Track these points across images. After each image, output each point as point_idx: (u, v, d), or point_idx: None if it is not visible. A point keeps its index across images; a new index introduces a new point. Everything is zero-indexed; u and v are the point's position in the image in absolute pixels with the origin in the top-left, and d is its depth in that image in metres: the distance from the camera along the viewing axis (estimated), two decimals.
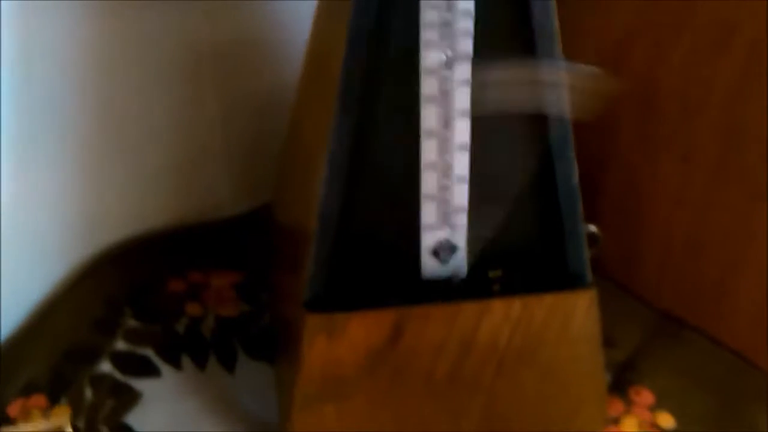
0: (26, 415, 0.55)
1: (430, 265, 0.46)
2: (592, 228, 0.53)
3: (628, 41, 0.60)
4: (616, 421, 0.56)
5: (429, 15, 0.41)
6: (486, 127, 0.43)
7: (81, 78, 0.58)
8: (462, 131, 0.43)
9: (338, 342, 0.45)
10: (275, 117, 0.61)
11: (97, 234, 0.65)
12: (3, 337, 0.59)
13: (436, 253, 0.46)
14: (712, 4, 0.54)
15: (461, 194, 0.44)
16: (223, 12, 0.61)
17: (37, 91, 0.56)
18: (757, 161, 0.55)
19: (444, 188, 0.44)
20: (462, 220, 0.45)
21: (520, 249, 0.47)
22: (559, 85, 0.42)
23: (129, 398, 0.56)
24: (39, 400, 0.56)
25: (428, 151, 0.44)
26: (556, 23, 0.42)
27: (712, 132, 0.57)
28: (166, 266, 0.66)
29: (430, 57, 0.42)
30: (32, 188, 0.59)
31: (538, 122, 0.43)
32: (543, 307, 0.46)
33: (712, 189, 0.58)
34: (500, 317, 0.45)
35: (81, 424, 0.54)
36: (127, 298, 0.63)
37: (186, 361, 0.59)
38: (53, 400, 0.56)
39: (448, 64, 0.42)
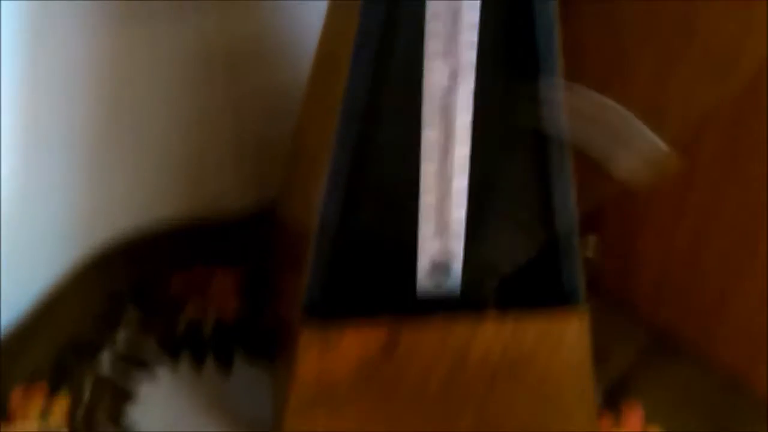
0: (27, 406, 0.56)
1: (425, 281, 0.46)
2: (591, 240, 0.53)
3: (633, 56, 0.60)
4: None
5: (434, 26, 0.41)
6: (486, 146, 0.44)
7: (92, 72, 0.59)
8: (462, 148, 0.44)
9: (332, 351, 0.45)
10: (285, 116, 0.62)
11: (103, 227, 0.65)
12: (7, 328, 0.60)
13: (432, 268, 0.46)
14: (718, 16, 0.54)
15: (460, 211, 0.45)
16: (236, 13, 0.62)
17: (46, 83, 0.57)
18: (756, 181, 0.55)
19: (442, 204, 0.45)
20: (459, 236, 0.45)
21: (515, 265, 0.47)
22: (558, 105, 0.42)
23: (127, 394, 0.57)
24: (41, 387, 0.57)
25: (428, 170, 0.44)
26: (559, 39, 0.42)
27: (712, 149, 0.57)
28: (170, 261, 0.66)
29: (433, 73, 0.42)
30: (38, 180, 0.59)
31: (536, 142, 0.44)
32: (536, 324, 0.46)
33: (710, 207, 0.58)
34: (493, 333, 0.46)
35: (79, 418, 0.55)
36: (131, 293, 0.64)
37: (184, 358, 0.60)
38: (54, 390, 0.57)
39: (451, 80, 0.42)
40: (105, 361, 0.59)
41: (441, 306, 0.46)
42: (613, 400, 0.59)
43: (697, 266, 0.60)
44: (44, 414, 0.56)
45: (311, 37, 0.53)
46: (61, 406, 0.56)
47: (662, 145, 0.42)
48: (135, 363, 0.59)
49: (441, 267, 0.46)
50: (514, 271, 0.47)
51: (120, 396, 0.57)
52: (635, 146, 0.42)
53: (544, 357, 0.47)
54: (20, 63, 0.54)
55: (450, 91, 0.42)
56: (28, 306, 0.62)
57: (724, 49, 0.54)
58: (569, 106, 0.42)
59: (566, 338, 0.47)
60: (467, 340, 0.46)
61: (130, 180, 0.65)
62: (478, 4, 0.40)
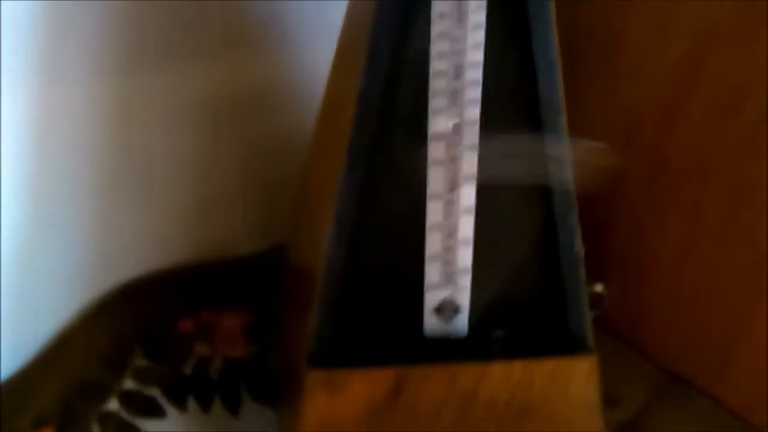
0: None
1: (432, 324, 0.46)
2: (598, 288, 0.53)
3: (638, 104, 0.60)
4: None
5: (438, 83, 0.42)
6: (491, 193, 0.44)
7: (99, 118, 0.60)
8: (468, 195, 0.44)
9: (338, 397, 0.45)
10: (292, 160, 0.62)
11: (111, 271, 0.66)
12: (15, 370, 0.60)
13: (438, 312, 0.46)
14: (721, 68, 0.55)
15: (466, 256, 0.45)
16: (244, 61, 0.63)
17: (54, 127, 0.57)
18: (761, 223, 0.55)
19: (448, 249, 0.45)
20: (466, 280, 0.45)
21: (523, 310, 0.47)
22: (563, 157, 0.43)
23: None
24: (49, 431, 0.57)
25: (434, 212, 0.44)
26: (562, 94, 0.42)
27: (720, 192, 0.57)
28: (177, 304, 0.67)
29: (438, 123, 0.43)
30: (45, 223, 0.60)
31: (541, 190, 0.44)
32: (543, 371, 0.46)
33: (717, 249, 0.58)
34: (500, 379, 0.46)
35: None
36: (138, 336, 0.64)
37: (192, 402, 0.60)
38: None
39: (456, 130, 0.43)
40: (112, 403, 0.59)
41: (448, 349, 0.46)
42: None
43: (705, 308, 0.60)
44: None
45: (318, 84, 0.54)
46: None
47: (598, 145, 0.43)
48: (142, 405, 0.59)
49: (448, 310, 0.46)
50: (521, 315, 0.47)
51: None
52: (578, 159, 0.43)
53: (553, 402, 0.47)
54: (28, 106, 0.55)
55: (455, 137, 0.43)
56: (35, 349, 0.62)
57: (728, 95, 0.55)
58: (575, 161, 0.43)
59: (575, 383, 0.46)
60: (474, 385, 0.46)
61: (138, 224, 0.65)
62: (481, 60, 0.41)
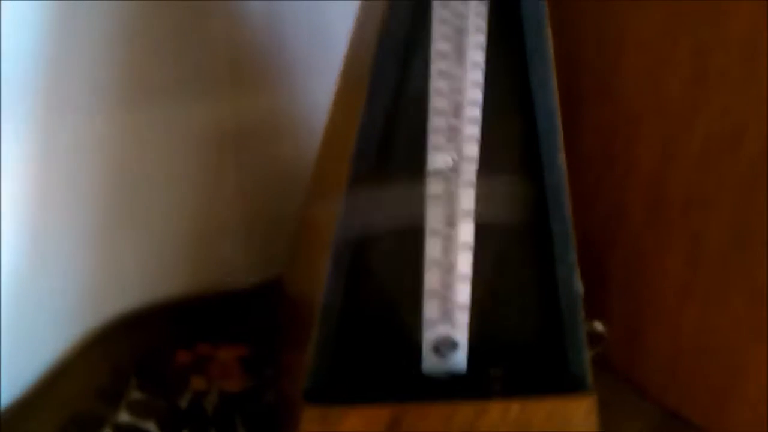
0: None
1: (430, 361, 0.46)
2: (598, 326, 0.53)
3: (637, 135, 0.60)
4: None
5: (437, 120, 0.42)
6: (489, 229, 0.44)
7: (102, 151, 0.60)
8: (466, 231, 0.44)
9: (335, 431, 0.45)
10: (292, 194, 0.62)
11: (110, 302, 0.65)
12: (12, 400, 0.60)
13: (436, 349, 0.46)
14: (722, 100, 0.55)
15: (464, 292, 0.45)
16: (247, 97, 0.64)
17: (56, 159, 0.58)
18: (761, 265, 0.54)
19: (447, 286, 0.45)
20: (464, 317, 0.45)
21: (521, 348, 0.47)
22: (561, 195, 0.43)
23: None
24: None
25: (432, 248, 0.44)
26: (560, 132, 0.43)
27: (719, 230, 0.57)
28: (175, 336, 0.66)
29: (436, 160, 0.43)
30: (44, 253, 0.60)
31: (540, 227, 0.44)
32: (542, 410, 0.45)
33: (717, 288, 0.58)
34: (498, 418, 0.45)
35: None
36: (135, 368, 0.64)
37: None
38: None
39: (454, 167, 0.43)
40: None
41: (446, 386, 0.46)
42: None
43: (705, 348, 0.60)
44: None
45: (319, 119, 0.54)
46: None
47: None
48: None
49: (446, 347, 0.46)
50: (519, 353, 0.46)
51: None
52: None
53: None
54: (31, 141, 0.55)
55: (453, 174, 0.43)
56: (31, 380, 0.61)
57: (727, 131, 0.55)
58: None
59: (573, 423, 0.46)
60: (472, 424, 0.45)
61: (138, 256, 0.65)
62: (480, 98, 0.42)
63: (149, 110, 0.60)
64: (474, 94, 0.42)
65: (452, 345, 0.46)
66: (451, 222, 0.44)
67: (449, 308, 0.45)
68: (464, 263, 0.44)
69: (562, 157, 0.43)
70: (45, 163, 0.57)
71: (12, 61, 0.52)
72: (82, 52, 0.56)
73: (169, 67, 0.60)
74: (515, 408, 0.45)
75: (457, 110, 0.42)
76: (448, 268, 0.45)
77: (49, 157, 0.57)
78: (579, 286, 0.45)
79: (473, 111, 0.42)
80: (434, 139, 0.42)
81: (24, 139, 0.55)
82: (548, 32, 0.42)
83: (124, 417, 0.60)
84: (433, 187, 0.43)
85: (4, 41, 0.51)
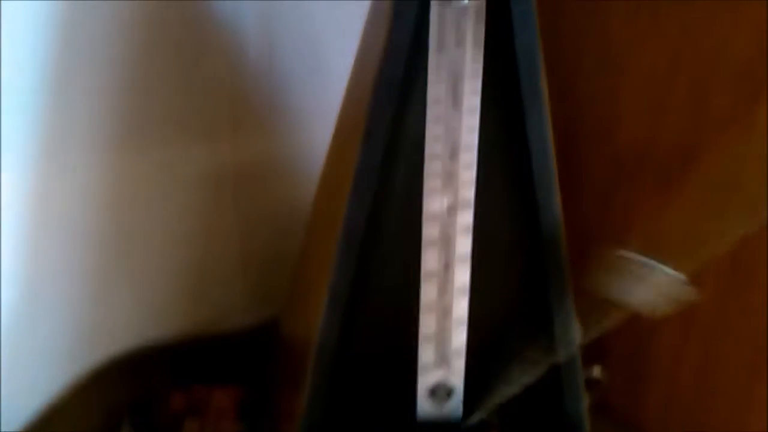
0: None
1: (425, 407, 0.45)
2: (596, 372, 0.52)
3: (637, 167, 0.60)
4: None
5: (433, 165, 0.42)
6: (486, 273, 0.44)
7: (100, 191, 0.60)
8: (462, 275, 0.44)
9: None
10: (290, 235, 0.62)
11: (107, 343, 0.65)
12: None
13: (432, 394, 0.45)
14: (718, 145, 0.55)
15: (460, 336, 0.45)
16: (246, 138, 0.64)
17: (53, 197, 0.58)
18: (759, 307, 0.54)
19: (443, 329, 0.45)
20: (460, 362, 0.45)
21: (518, 395, 0.46)
22: (557, 240, 0.43)
23: None
24: None
25: (428, 292, 0.44)
26: (556, 174, 0.43)
27: (715, 275, 0.57)
28: (170, 378, 0.66)
29: (432, 203, 0.43)
30: (41, 294, 0.59)
31: (537, 271, 0.44)
32: None
33: (715, 333, 0.58)
34: None
35: None
36: (129, 409, 0.63)
37: None
38: None
39: (450, 211, 0.43)
40: None
41: (442, 430, 0.46)
42: None
43: (704, 390, 0.59)
44: None
45: (317, 162, 0.54)
46: None
47: (681, 278, 0.42)
48: None
49: (441, 393, 0.45)
50: (516, 399, 0.46)
51: None
52: (652, 281, 0.42)
53: None
54: (30, 178, 0.56)
55: (450, 218, 0.43)
56: (27, 420, 0.61)
57: (724, 175, 0.55)
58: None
59: None
60: None
61: (134, 297, 0.65)
62: (475, 143, 0.42)
63: (147, 151, 0.61)
64: (470, 138, 0.42)
65: (448, 391, 0.45)
66: (447, 266, 0.44)
67: (445, 352, 0.45)
68: (460, 307, 0.44)
69: (557, 200, 0.43)
70: (42, 203, 0.57)
71: (12, 103, 0.52)
72: (82, 93, 0.56)
73: (168, 108, 0.60)
74: None
75: (453, 154, 0.42)
76: (444, 312, 0.44)
77: (46, 197, 0.57)
78: (576, 333, 0.44)
79: (469, 156, 0.42)
80: (430, 183, 0.42)
81: (22, 180, 0.55)
82: (544, 83, 0.42)
83: None
84: (429, 231, 0.43)
85: (5, 82, 0.51)
